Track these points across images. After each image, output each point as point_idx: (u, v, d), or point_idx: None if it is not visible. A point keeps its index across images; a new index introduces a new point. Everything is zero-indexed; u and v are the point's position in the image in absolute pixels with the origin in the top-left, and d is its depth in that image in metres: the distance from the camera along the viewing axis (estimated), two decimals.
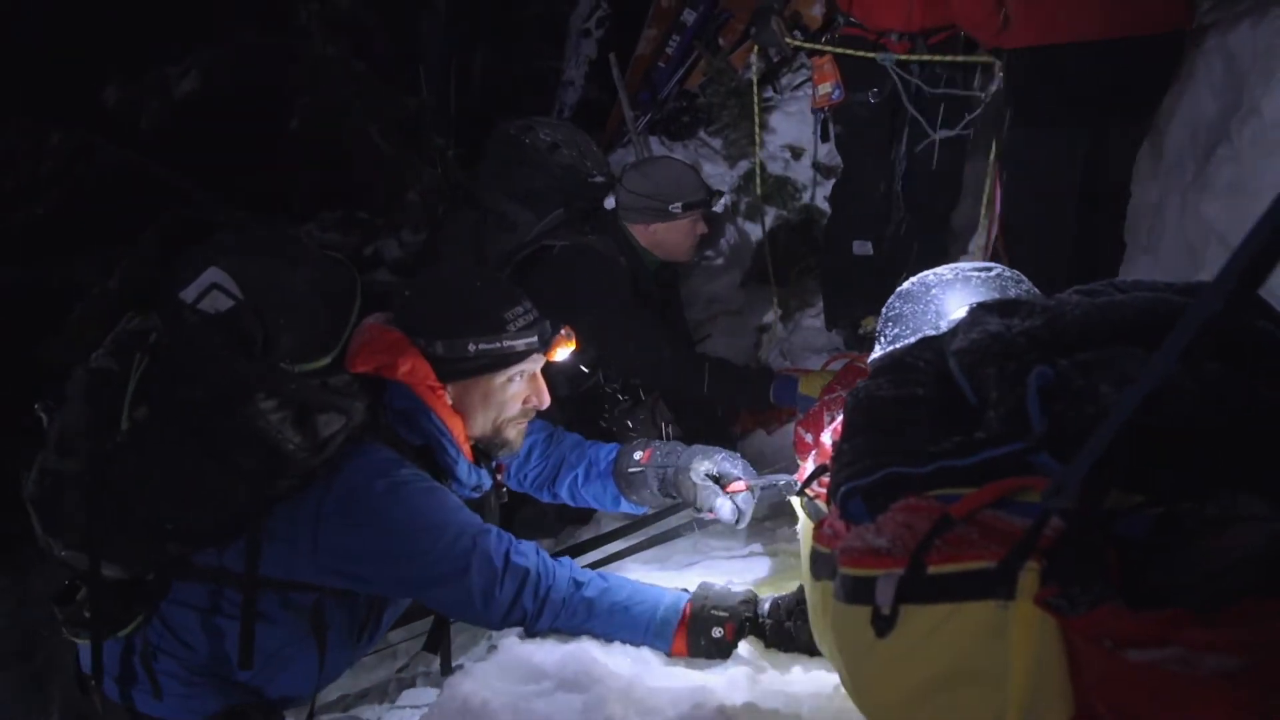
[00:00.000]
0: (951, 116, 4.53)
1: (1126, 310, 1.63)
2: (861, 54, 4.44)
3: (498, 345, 2.39)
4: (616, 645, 2.25)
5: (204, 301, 2.22)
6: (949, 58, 4.36)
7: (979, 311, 1.79)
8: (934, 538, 1.33)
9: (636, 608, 2.28)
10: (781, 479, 2.70)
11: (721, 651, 2.23)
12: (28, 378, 2.37)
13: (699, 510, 2.80)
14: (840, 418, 2.21)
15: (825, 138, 5.17)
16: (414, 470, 2.27)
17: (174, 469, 2.11)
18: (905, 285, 2.36)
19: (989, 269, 2.28)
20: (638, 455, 2.88)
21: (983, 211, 4.61)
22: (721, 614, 2.26)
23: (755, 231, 6.15)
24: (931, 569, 1.32)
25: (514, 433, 2.54)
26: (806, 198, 5.98)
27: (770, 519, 3.16)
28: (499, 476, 2.65)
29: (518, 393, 2.49)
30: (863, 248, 4.78)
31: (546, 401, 2.54)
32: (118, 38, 7.95)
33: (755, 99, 5.32)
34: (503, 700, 2.00)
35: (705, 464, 2.78)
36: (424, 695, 2.92)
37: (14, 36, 7.67)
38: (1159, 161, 3.70)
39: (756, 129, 5.40)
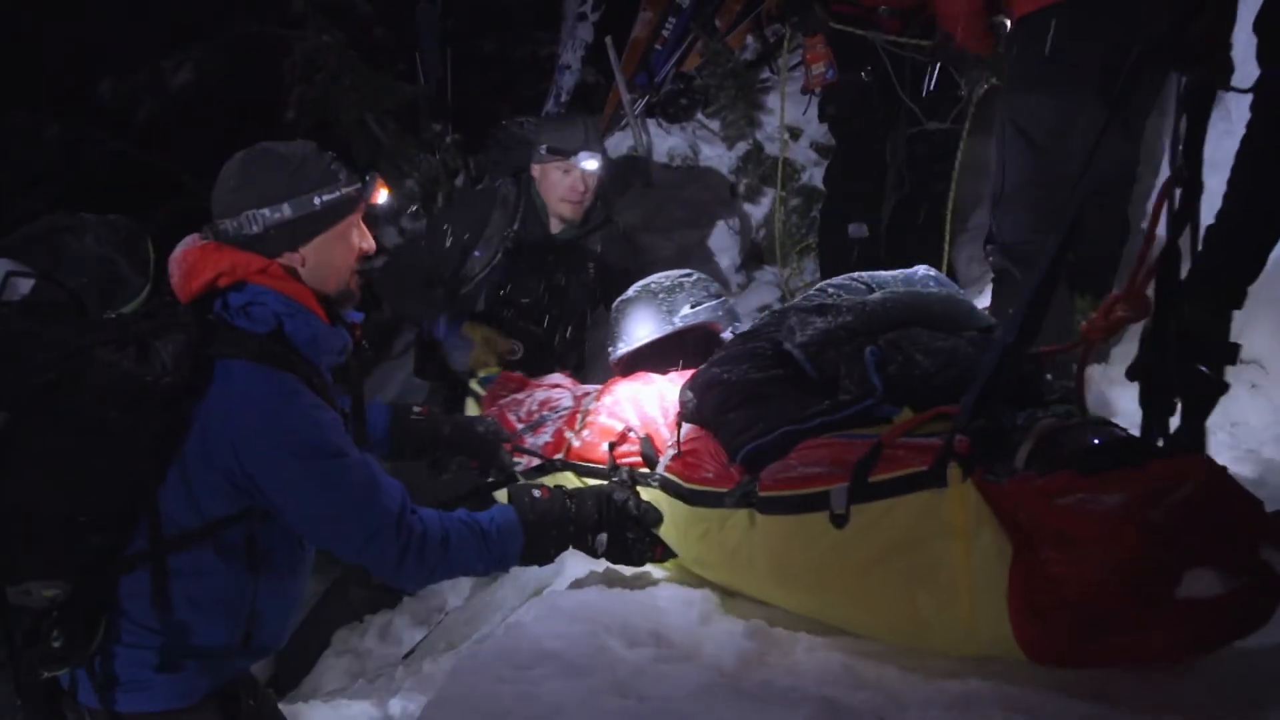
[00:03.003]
0: (947, 91, 4.52)
1: (905, 301, 2.53)
2: (852, 29, 4.43)
3: (338, 194, 2.35)
4: (624, 626, 2.26)
5: (6, 292, 2.25)
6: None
7: (802, 315, 2.53)
8: (873, 458, 1.96)
9: (475, 518, 2.42)
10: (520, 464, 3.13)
11: (554, 515, 2.49)
12: None
13: (471, 458, 3.14)
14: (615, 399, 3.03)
15: (822, 118, 5.16)
16: (279, 376, 2.21)
17: (57, 458, 2.05)
18: (621, 298, 3.40)
19: (661, 283, 3.36)
20: (417, 409, 3.06)
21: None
22: (533, 486, 2.58)
23: (755, 213, 6.14)
24: (872, 479, 1.96)
25: (355, 282, 2.50)
26: (805, 178, 5.96)
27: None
28: (356, 334, 2.59)
29: (356, 239, 2.45)
30: (858, 230, 4.75)
31: (372, 245, 2.51)
32: (112, 31, 7.94)
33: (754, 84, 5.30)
34: (507, 686, 2.00)
35: (482, 426, 3.11)
36: (428, 681, 2.92)
37: (9, 31, 7.66)
38: (1154, 135, 3.67)
39: (781, 114, 5.39)
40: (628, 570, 2.75)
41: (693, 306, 3.27)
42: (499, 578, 3.59)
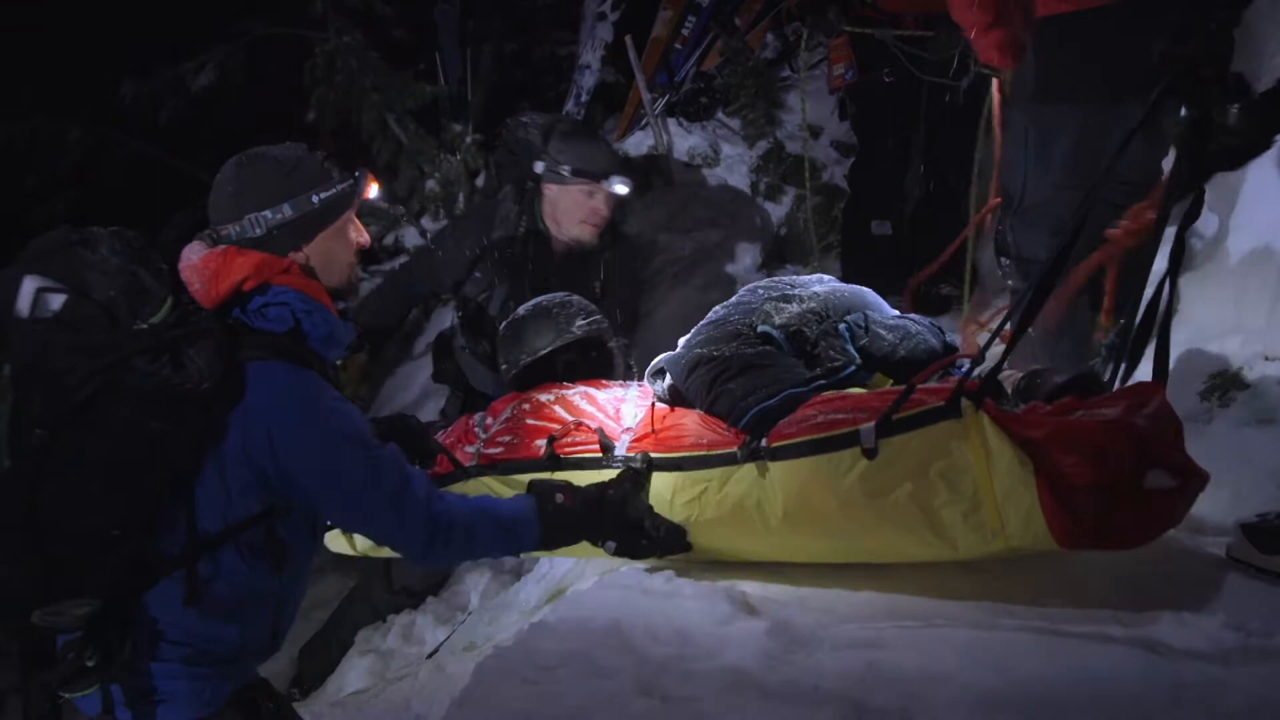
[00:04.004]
0: (970, 91, 4.50)
1: (848, 292, 3.02)
2: (863, 30, 4.44)
3: (334, 190, 2.40)
4: (647, 625, 2.26)
5: (38, 309, 2.25)
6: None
7: (774, 302, 2.94)
8: (904, 398, 2.29)
9: (495, 507, 2.51)
10: None
11: (576, 523, 2.57)
12: None
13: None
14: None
15: (843, 117, 5.15)
16: (305, 373, 2.26)
17: (96, 471, 2.07)
18: (511, 317, 3.56)
19: (551, 300, 3.52)
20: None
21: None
22: (558, 484, 2.62)
23: (775, 212, 6.12)
24: (895, 417, 2.28)
25: (355, 276, 2.56)
26: (826, 176, 5.95)
27: None
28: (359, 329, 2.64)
29: (353, 234, 2.50)
30: (881, 228, 4.77)
31: (367, 240, 2.57)
32: (134, 33, 7.98)
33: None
34: (531, 687, 2.01)
35: (412, 420, 3.18)
36: (452, 682, 2.93)
37: (32, 34, 7.71)
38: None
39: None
40: (650, 570, 2.76)
41: (584, 319, 3.48)
42: (522, 576, 3.60)
